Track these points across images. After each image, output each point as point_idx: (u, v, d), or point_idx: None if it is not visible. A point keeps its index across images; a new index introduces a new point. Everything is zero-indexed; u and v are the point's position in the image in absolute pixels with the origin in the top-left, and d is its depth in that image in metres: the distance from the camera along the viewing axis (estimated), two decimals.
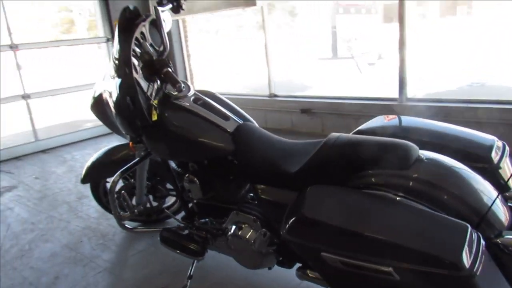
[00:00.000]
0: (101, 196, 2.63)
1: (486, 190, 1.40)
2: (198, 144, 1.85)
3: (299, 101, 4.74)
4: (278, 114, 4.95)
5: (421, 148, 1.60)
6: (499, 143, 1.63)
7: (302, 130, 4.73)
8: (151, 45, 1.87)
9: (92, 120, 5.11)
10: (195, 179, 1.96)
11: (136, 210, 2.21)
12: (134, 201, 2.33)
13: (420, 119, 1.84)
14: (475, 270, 1.10)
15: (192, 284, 2.03)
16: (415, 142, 1.60)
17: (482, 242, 1.19)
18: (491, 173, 1.53)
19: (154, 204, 2.64)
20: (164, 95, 1.91)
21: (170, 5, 1.88)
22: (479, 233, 1.20)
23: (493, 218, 1.33)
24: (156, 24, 1.89)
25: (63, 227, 2.88)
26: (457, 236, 1.16)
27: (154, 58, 1.82)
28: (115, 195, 2.06)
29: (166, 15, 1.94)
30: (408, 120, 1.88)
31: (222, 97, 2.14)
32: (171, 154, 1.96)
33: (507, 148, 1.64)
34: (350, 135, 1.66)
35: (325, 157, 1.58)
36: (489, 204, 1.36)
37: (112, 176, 2.06)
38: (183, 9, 1.90)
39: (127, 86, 1.74)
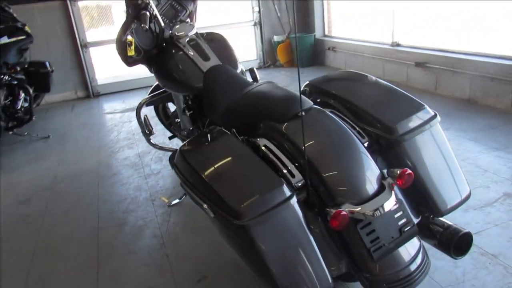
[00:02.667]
0: (162, 117, 3.16)
1: (351, 160, 1.29)
2: (178, 79, 2.12)
3: (416, 53, 4.24)
4: (395, 66, 4.54)
5: (334, 107, 1.52)
6: (423, 114, 1.40)
7: (416, 86, 4.26)
8: None
9: None
10: (186, 111, 2.27)
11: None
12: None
13: (368, 78, 1.65)
14: (252, 222, 1.12)
15: None
16: (328, 99, 1.52)
17: (291, 201, 1.17)
18: (390, 145, 1.37)
19: None
20: (170, 34, 2.23)
21: None
22: (294, 193, 1.18)
23: (336, 188, 1.25)
24: None
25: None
26: (259, 188, 1.18)
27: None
28: (142, 117, 2.54)
29: None
30: (350, 76, 1.72)
31: (227, 42, 2.31)
32: (164, 85, 2.29)
33: (434, 120, 1.39)
34: (264, 86, 1.65)
35: (235, 105, 1.66)
36: (341, 175, 1.26)
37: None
38: None
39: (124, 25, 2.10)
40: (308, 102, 1.46)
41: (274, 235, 1.17)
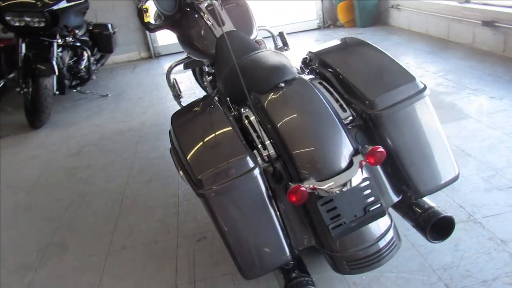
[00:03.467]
0: (199, 80, 3.22)
1: (321, 136, 1.25)
2: (195, 45, 2.16)
3: (485, 10, 3.78)
4: (461, 26, 4.10)
5: (327, 78, 1.46)
6: (409, 87, 1.29)
7: (482, 48, 3.84)
8: None
9: None
10: (206, 77, 2.32)
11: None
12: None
13: (367, 47, 1.53)
14: (210, 192, 1.16)
15: None
16: (324, 69, 1.47)
17: (253, 173, 1.18)
18: (371, 120, 1.30)
19: None
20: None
21: None
22: (257, 165, 1.19)
23: (301, 163, 1.22)
24: None
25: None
26: (221, 158, 1.20)
27: None
28: (171, 81, 2.64)
29: None
30: (348, 45, 1.62)
31: (246, 6, 2.27)
32: (184, 50, 2.33)
33: (421, 95, 1.28)
34: (259, 55, 1.62)
35: (231, 73, 1.66)
36: (308, 150, 1.24)
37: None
38: None
39: None
40: (291, 73, 1.41)
41: (233, 205, 1.20)
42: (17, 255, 2.01)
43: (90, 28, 4.54)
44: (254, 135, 1.35)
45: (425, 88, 1.31)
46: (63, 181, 2.68)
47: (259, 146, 1.32)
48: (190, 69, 3.04)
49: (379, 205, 1.22)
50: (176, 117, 1.50)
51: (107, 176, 2.66)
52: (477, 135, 2.40)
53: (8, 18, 3.44)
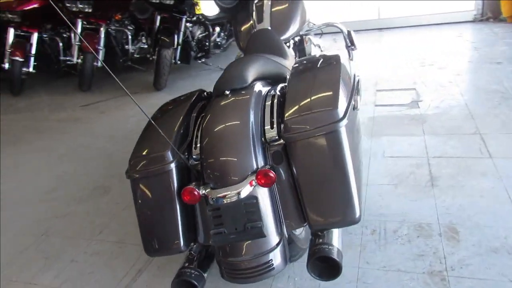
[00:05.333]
0: None
1: (230, 150, 1.31)
2: (239, 39, 2.30)
3: None
4: None
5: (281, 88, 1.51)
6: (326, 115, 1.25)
7: None
8: None
9: None
10: None
11: None
12: None
13: (333, 62, 1.48)
14: (132, 178, 1.37)
15: None
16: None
17: (168, 167, 1.33)
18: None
19: None
20: None
21: None
22: (173, 161, 1.33)
23: (206, 169, 1.32)
24: None
25: None
26: (149, 149, 1.39)
27: None
28: None
29: None
30: (326, 59, 1.59)
31: (291, 5, 2.28)
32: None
33: (336, 125, 1.23)
34: (247, 57, 1.69)
35: None
36: (214, 159, 1.32)
37: None
38: None
39: None
40: (241, 83, 1.47)
41: (148, 191, 1.38)
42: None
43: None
44: (194, 134, 1.49)
45: (342, 118, 1.23)
46: None
47: (193, 145, 1.46)
48: None
49: (259, 225, 1.25)
50: (164, 104, 1.74)
51: None
52: None
53: None
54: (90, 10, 4.41)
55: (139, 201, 1.39)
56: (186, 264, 1.40)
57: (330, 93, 1.31)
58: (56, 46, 4.93)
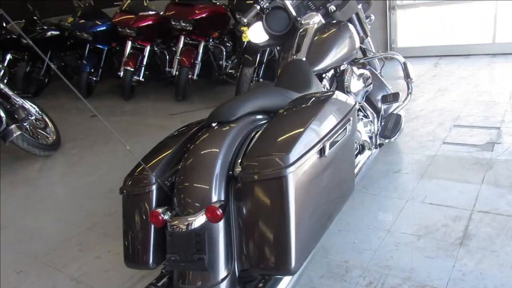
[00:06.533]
0: None
1: (196, 182, 1.39)
2: (279, 65, 2.34)
3: None
4: None
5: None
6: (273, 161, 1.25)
7: None
8: None
9: None
10: None
11: None
12: None
13: (316, 103, 1.46)
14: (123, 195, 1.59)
15: None
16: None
17: (149, 188, 1.50)
18: None
19: None
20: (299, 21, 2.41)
21: None
22: (154, 183, 1.50)
23: (174, 196, 1.42)
24: None
25: None
26: (140, 168, 1.58)
27: None
28: None
29: None
30: (318, 97, 1.58)
31: (332, 35, 2.24)
32: None
33: (283, 171, 1.23)
34: (257, 89, 1.74)
35: None
36: (181, 188, 1.41)
37: None
38: None
39: None
40: (227, 117, 1.52)
41: (130, 211, 1.51)
42: None
43: None
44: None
45: (290, 165, 1.20)
46: None
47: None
48: None
49: (202, 258, 1.29)
50: (175, 130, 1.88)
51: None
52: None
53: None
54: (190, 28, 4.84)
55: (125, 215, 1.55)
56: (154, 281, 1.51)
57: (289, 137, 1.30)
58: (164, 59, 5.53)
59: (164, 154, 1.55)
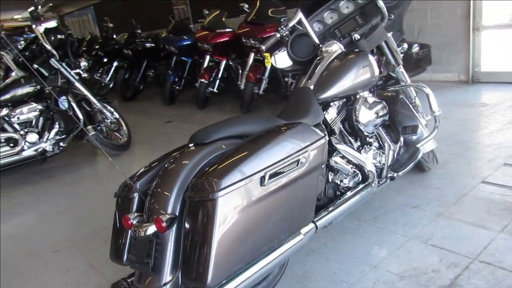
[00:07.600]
0: None
1: (161, 193, 1.59)
2: None
3: None
4: None
5: None
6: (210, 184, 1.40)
7: None
8: None
9: None
10: None
11: None
12: None
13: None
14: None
15: None
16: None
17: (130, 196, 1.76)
18: None
19: None
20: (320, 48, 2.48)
21: None
22: (135, 192, 1.75)
23: (146, 204, 1.63)
24: None
25: None
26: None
27: None
28: None
29: None
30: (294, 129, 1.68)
31: (343, 65, 2.25)
32: None
33: (213, 195, 1.38)
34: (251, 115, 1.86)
35: None
36: (151, 198, 1.61)
37: None
38: None
39: None
40: (204, 139, 1.67)
41: (117, 212, 1.77)
42: None
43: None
44: None
45: (220, 190, 1.32)
46: None
47: None
48: None
49: (147, 262, 1.47)
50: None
51: None
52: None
53: None
54: (259, 46, 5.08)
55: (114, 216, 1.80)
56: (126, 277, 1.73)
57: (231, 163, 1.42)
58: (238, 73, 5.86)
59: (150, 168, 1.76)
